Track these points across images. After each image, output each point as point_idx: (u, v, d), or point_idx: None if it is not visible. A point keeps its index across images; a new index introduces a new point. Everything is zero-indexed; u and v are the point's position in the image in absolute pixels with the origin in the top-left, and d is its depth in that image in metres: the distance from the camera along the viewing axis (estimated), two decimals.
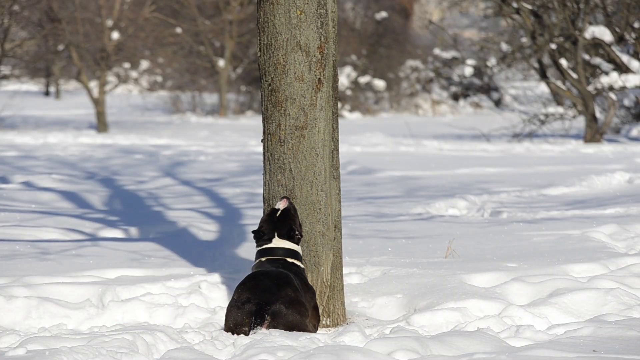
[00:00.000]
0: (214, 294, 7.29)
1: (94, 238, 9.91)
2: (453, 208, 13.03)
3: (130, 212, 12.13)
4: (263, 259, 6.64)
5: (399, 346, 5.78)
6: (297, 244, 6.64)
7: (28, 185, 15.08)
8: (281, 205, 6.62)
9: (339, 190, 6.93)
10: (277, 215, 6.61)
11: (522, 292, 7.29)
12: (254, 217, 11.16)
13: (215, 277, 7.58)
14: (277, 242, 6.62)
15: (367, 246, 9.38)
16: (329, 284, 6.81)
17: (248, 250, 9.01)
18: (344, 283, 7.24)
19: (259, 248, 6.68)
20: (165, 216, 11.51)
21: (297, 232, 6.60)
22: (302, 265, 6.63)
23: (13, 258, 8.56)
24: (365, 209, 12.50)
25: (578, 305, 6.93)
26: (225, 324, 6.41)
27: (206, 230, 10.35)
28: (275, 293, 6.30)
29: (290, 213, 6.61)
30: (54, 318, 6.81)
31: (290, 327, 6.28)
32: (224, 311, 6.74)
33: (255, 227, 6.78)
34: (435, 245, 9.33)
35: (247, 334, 6.28)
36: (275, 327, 6.28)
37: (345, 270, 7.87)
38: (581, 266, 7.99)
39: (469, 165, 19.31)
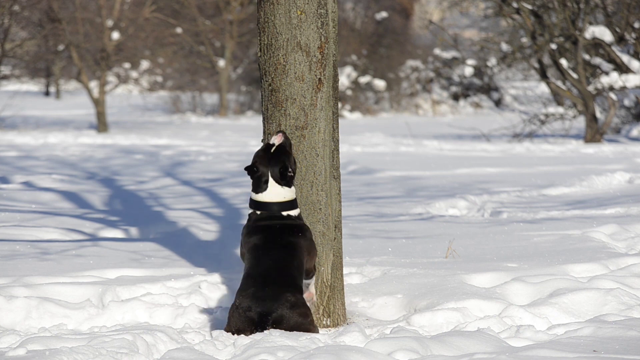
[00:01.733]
0: (214, 294, 7.29)
1: (94, 238, 9.91)
2: (453, 208, 13.03)
3: (130, 212, 12.13)
4: (258, 212, 6.50)
5: (399, 346, 5.77)
6: (291, 183, 6.48)
7: (28, 185, 15.08)
8: (276, 140, 6.48)
9: (339, 190, 6.93)
10: (272, 151, 6.47)
11: (523, 292, 7.29)
12: None
13: (215, 277, 7.57)
14: (272, 194, 6.48)
15: (367, 246, 9.37)
16: (329, 284, 6.81)
17: None
18: (344, 283, 7.24)
19: (254, 199, 6.52)
20: (165, 216, 11.50)
21: (290, 170, 6.44)
22: (296, 214, 6.48)
23: (13, 258, 8.56)
24: (366, 209, 12.49)
25: (578, 305, 6.93)
26: (227, 328, 6.40)
27: (206, 230, 10.34)
28: (276, 299, 6.26)
29: (285, 149, 6.47)
30: (54, 318, 6.81)
31: (292, 330, 6.27)
32: (224, 311, 6.73)
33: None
34: (435, 245, 9.32)
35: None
36: None
37: (345, 270, 7.86)
38: (581, 266, 7.98)
39: (469, 165, 19.30)
